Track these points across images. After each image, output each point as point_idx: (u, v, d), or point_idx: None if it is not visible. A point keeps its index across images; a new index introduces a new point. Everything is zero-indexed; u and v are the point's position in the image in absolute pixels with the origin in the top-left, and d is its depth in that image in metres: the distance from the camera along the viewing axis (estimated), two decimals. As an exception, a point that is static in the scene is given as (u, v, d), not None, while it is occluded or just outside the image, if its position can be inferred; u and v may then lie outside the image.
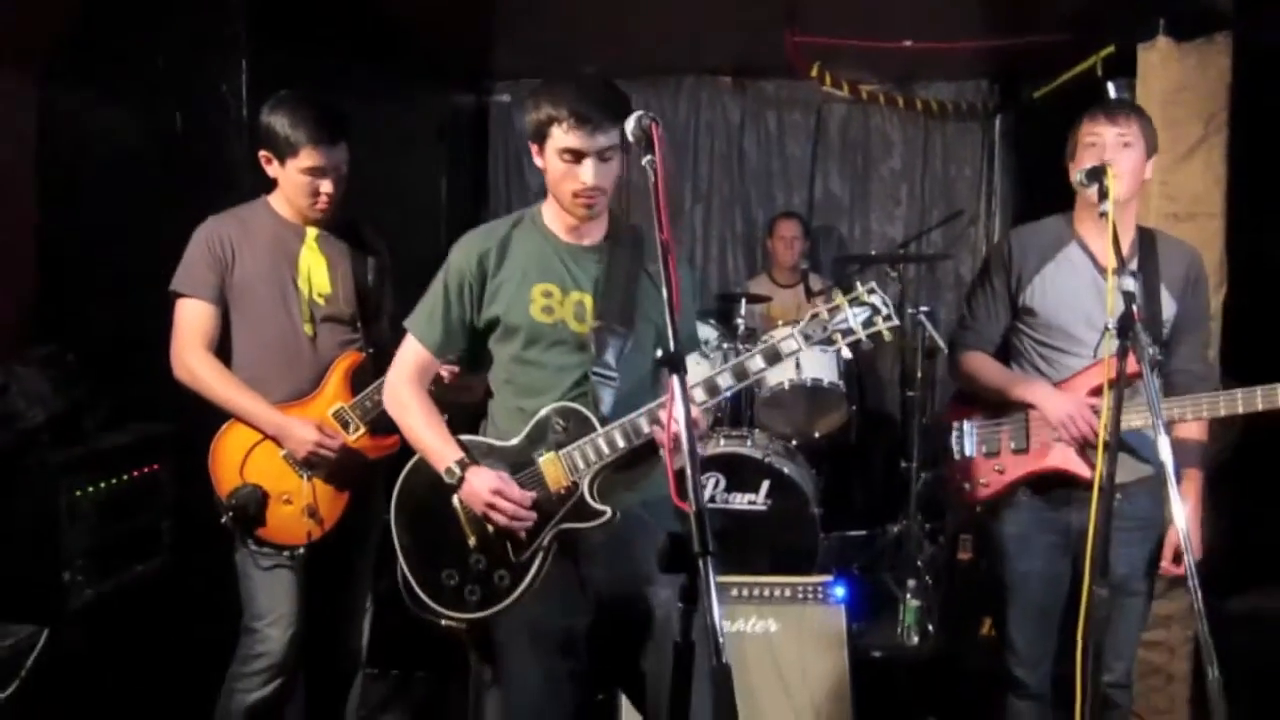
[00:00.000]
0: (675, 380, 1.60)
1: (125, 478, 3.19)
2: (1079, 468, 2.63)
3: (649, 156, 1.82)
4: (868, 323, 2.14)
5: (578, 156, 2.18)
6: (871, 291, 2.15)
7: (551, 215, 2.36)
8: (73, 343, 3.31)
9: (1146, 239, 2.71)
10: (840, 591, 3.42)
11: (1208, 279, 2.78)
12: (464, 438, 2.36)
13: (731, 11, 4.56)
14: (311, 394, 2.81)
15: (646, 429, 2.19)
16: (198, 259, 2.77)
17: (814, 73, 5.24)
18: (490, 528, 2.28)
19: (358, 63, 4.32)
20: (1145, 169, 2.64)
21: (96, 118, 3.55)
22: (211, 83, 3.43)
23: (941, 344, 4.59)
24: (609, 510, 2.24)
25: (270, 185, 2.86)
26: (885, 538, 4.99)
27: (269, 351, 2.80)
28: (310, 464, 2.76)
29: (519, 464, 2.29)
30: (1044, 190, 2.98)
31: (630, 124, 1.88)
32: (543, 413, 2.28)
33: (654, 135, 1.83)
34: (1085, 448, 2.60)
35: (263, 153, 2.77)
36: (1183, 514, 2.15)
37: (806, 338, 2.17)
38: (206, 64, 3.44)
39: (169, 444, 3.36)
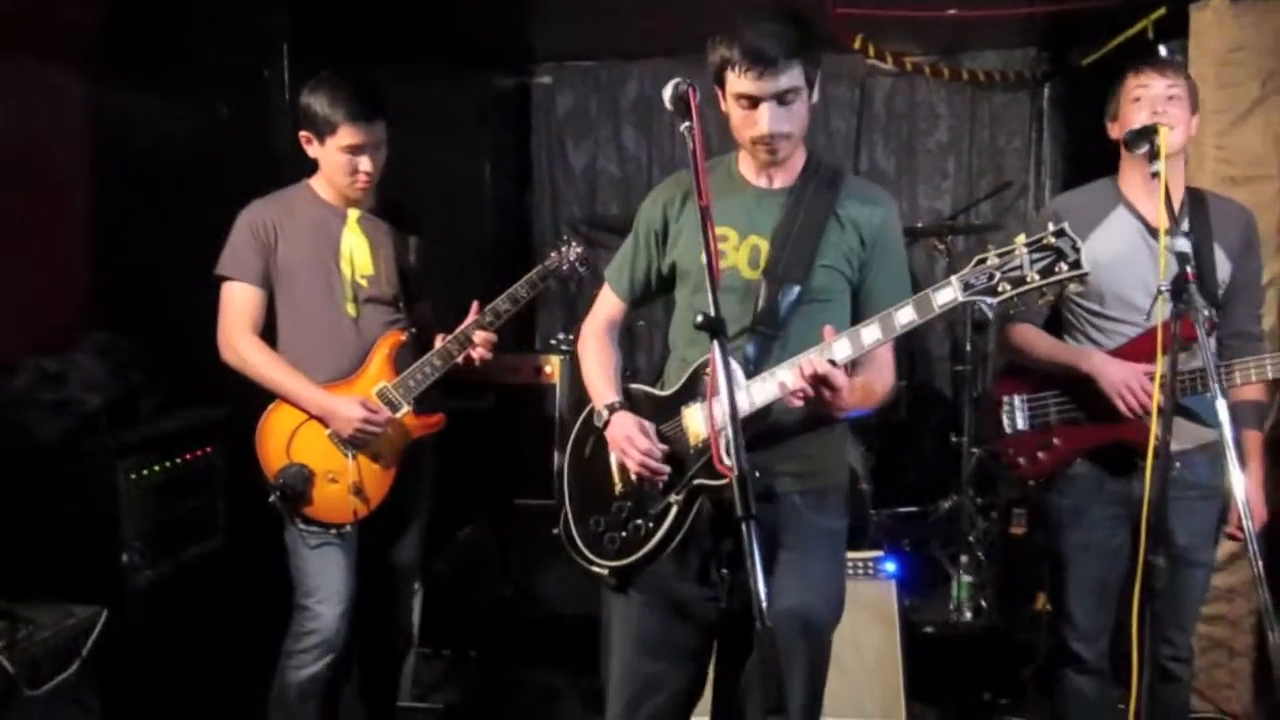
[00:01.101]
0: (715, 346, 1.58)
1: (181, 460, 3.25)
2: (1139, 436, 2.56)
3: (687, 123, 1.80)
4: (1047, 270, 1.83)
5: (754, 102, 2.04)
6: (1060, 234, 1.83)
7: (744, 159, 2.25)
8: (127, 329, 3.37)
9: (1197, 199, 2.64)
10: (891, 567, 3.39)
11: (1259, 240, 2.71)
12: (632, 386, 2.34)
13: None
14: (355, 374, 2.84)
15: (791, 384, 1.96)
16: (242, 243, 2.81)
17: (858, 45, 5.16)
18: (632, 476, 2.20)
19: (399, 47, 4.34)
20: (1192, 125, 2.59)
21: (143, 108, 3.58)
22: (253, 70, 3.47)
23: (991, 317, 4.50)
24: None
25: (314, 170, 2.88)
26: (937, 513, 4.93)
27: (313, 333, 2.83)
28: (356, 442, 2.79)
29: (669, 414, 2.21)
30: (1094, 159, 2.90)
31: (667, 91, 1.86)
32: (697, 363, 2.17)
33: (691, 101, 1.81)
34: (1148, 416, 2.54)
35: (303, 133, 2.80)
36: (1241, 480, 2.11)
37: (967, 286, 1.89)
38: (248, 51, 3.48)
39: (223, 427, 3.41)
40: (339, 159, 2.76)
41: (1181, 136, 2.54)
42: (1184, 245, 2.19)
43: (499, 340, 2.90)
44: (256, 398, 2.84)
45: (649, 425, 2.18)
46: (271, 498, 2.77)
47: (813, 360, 1.92)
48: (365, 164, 2.76)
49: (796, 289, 2.11)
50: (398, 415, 2.83)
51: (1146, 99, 2.53)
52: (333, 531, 2.81)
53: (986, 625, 4.07)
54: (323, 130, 2.74)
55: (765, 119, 2.03)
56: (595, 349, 2.40)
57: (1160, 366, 2.24)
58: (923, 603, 4.26)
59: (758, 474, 1.91)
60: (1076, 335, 2.73)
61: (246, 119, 3.48)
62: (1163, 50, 3.74)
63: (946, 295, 1.90)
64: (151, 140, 3.59)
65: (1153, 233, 2.59)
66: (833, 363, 1.92)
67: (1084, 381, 2.62)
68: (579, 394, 4.19)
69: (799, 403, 1.95)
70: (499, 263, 5.52)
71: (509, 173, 6.06)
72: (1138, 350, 2.57)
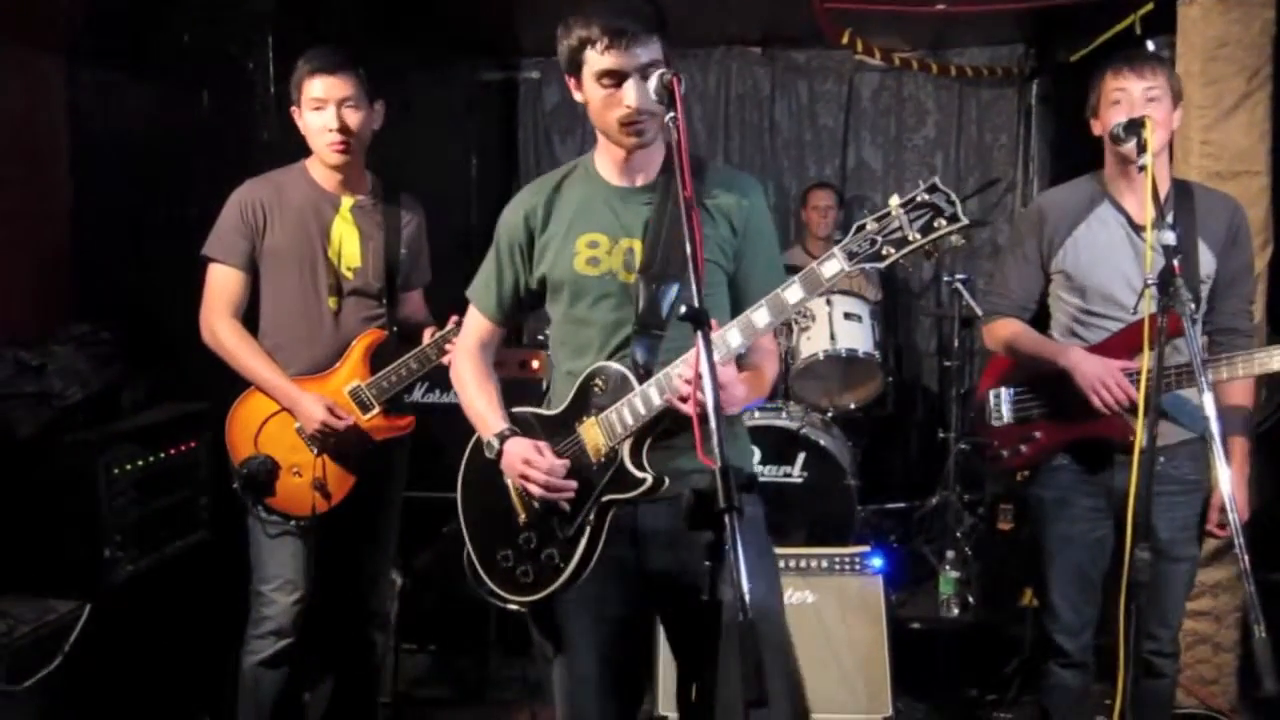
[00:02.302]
0: (699, 337, 1.56)
1: (163, 455, 3.21)
2: (1116, 431, 2.57)
3: (671, 114, 1.77)
4: (927, 227, 1.81)
5: (618, 78, 1.96)
6: (933, 189, 1.81)
7: (602, 158, 2.15)
8: (109, 321, 3.33)
9: (1184, 192, 2.64)
10: (878, 562, 3.39)
11: (1250, 232, 2.70)
12: (516, 410, 2.23)
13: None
14: (330, 369, 2.82)
15: (683, 385, 1.89)
16: (229, 224, 2.79)
17: (845, 40, 5.16)
18: (535, 503, 2.11)
19: (385, 38, 4.32)
20: (1174, 119, 2.59)
21: (125, 97, 3.55)
22: (238, 60, 3.43)
23: (979, 312, 4.52)
24: (649, 476, 2.00)
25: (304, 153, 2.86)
26: (923, 509, 4.95)
27: (291, 321, 2.81)
28: (318, 440, 2.77)
29: (563, 432, 2.12)
30: (1082, 155, 2.91)
31: (653, 81, 1.83)
32: (584, 375, 2.09)
33: (675, 91, 1.78)
34: (1123, 412, 2.54)
35: (293, 109, 2.79)
36: (1227, 474, 2.11)
37: (851, 255, 1.84)
38: (233, 41, 3.44)
39: (206, 421, 3.37)
40: (311, 120, 2.73)
41: (1163, 135, 2.53)
42: (1170, 239, 2.19)
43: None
44: (239, 392, 2.83)
45: (544, 445, 2.09)
46: (235, 484, 2.79)
47: (690, 362, 1.85)
48: (331, 119, 2.69)
49: (675, 286, 2.05)
50: (366, 417, 2.82)
51: (1125, 102, 2.53)
52: (291, 523, 2.81)
53: (973, 620, 4.08)
54: (297, 94, 2.73)
55: (632, 93, 1.95)
56: (471, 374, 2.28)
57: (1146, 360, 2.23)
58: (909, 598, 4.27)
59: (666, 480, 1.99)
60: (1063, 331, 2.73)
61: (230, 108, 3.45)
62: (1150, 45, 3.75)
63: (832, 267, 1.86)
64: (134, 130, 3.56)
65: (1136, 228, 2.59)
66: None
67: (1064, 376, 2.62)
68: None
69: (687, 409, 1.85)
70: (484, 255, 5.48)
71: (495, 166, 6.05)
72: (1119, 344, 2.57)
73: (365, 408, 2.82)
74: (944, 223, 1.80)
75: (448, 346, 2.79)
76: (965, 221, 1.81)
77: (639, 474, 2.01)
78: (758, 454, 4.11)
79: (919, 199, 1.81)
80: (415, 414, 2.99)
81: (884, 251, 1.83)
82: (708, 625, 1.68)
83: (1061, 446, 2.69)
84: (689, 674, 2.18)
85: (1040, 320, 2.81)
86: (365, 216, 2.88)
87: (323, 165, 2.81)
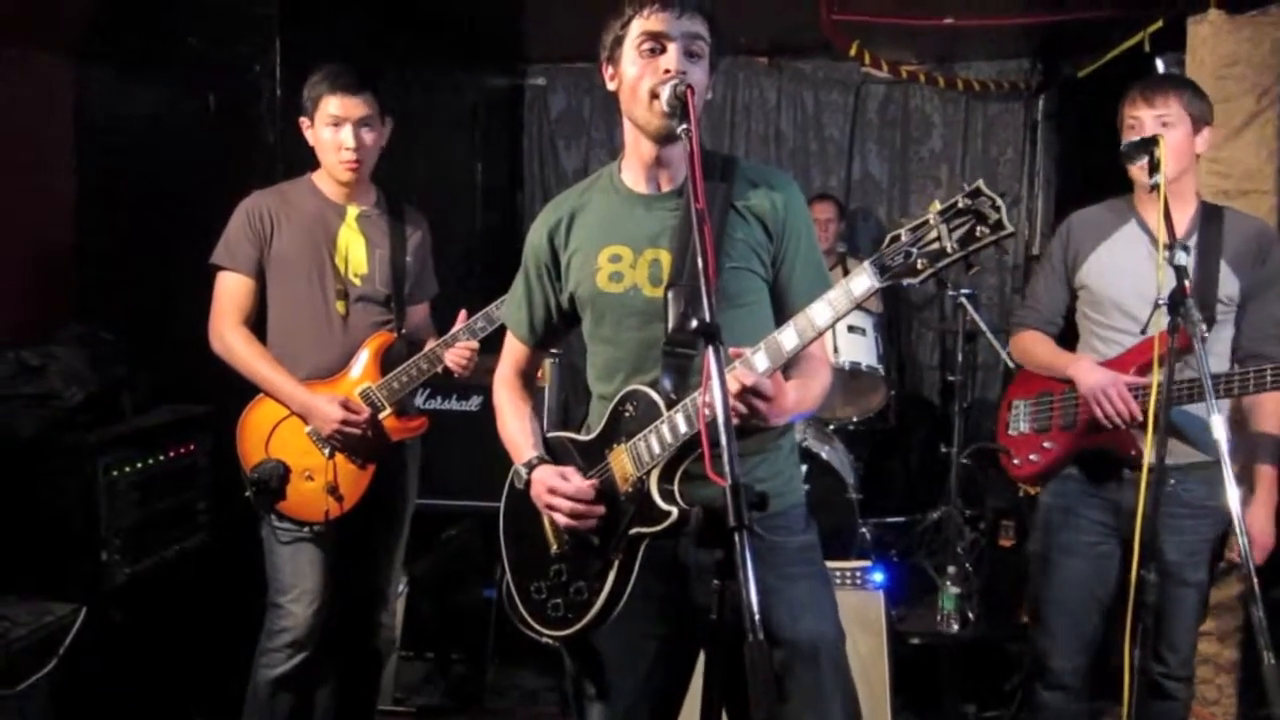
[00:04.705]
0: (710, 351, 1.52)
1: (163, 457, 3.20)
2: (1123, 445, 2.57)
3: (684, 125, 1.74)
4: (968, 237, 1.62)
5: (660, 41, 1.85)
6: (976, 194, 1.62)
7: (629, 163, 2.03)
8: (110, 322, 3.32)
9: (1211, 214, 2.64)
10: (879, 577, 3.37)
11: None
12: (552, 435, 2.13)
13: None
14: (340, 372, 2.82)
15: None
16: (237, 232, 2.80)
17: (853, 51, 5.15)
18: (566, 533, 1.99)
19: (391, 44, 4.31)
20: (1196, 143, 2.58)
21: (131, 98, 3.55)
22: (244, 63, 3.43)
23: (983, 327, 4.51)
24: (675, 510, 1.84)
25: (309, 164, 2.87)
26: (924, 524, 4.92)
27: (301, 327, 2.81)
28: (334, 442, 2.76)
29: (596, 460, 1.98)
30: (1088, 171, 2.92)
31: (665, 91, 1.80)
32: (616, 399, 1.96)
33: (689, 102, 1.75)
34: (1129, 426, 2.53)
35: (302, 120, 2.80)
36: (1237, 495, 2.09)
37: (883, 270, 1.68)
38: (239, 44, 3.44)
39: (207, 423, 3.37)
40: (325, 136, 2.75)
41: (1177, 163, 2.52)
42: (1185, 259, 2.18)
43: (489, 344, 2.87)
44: (241, 394, 2.82)
45: (570, 470, 1.97)
46: (247, 492, 2.77)
47: (736, 374, 1.71)
48: (348, 137, 2.73)
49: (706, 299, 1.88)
50: (379, 417, 2.81)
51: (1138, 130, 2.54)
52: (305, 529, 2.78)
53: (973, 636, 4.05)
54: (311, 110, 2.75)
55: (673, 56, 1.83)
56: (507, 401, 2.19)
57: (1156, 377, 2.22)
58: (910, 613, 4.24)
59: (697, 514, 1.74)
60: (1086, 346, 2.75)
61: (236, 111, 3.44)
62: (1160, 64, 3.74)
63: (862, 284, 1.70)
64: (140, 131, 3.56)
65: (1157, 245, 2.58)
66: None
67: (1074, 387, 2.64)
68: (566, 396, 4.18)
69: (734, 420, 1.67)
70: (489, 263, 5.49)
71: (501, 172, 6.04)
72: (1130, 359, 2.58)
73: (377, 410, 2.81)
74: (986, 231, 1.61)
75: (456, 345, 2.81)
76: (1010, 229, 1.62)
77: (665, 506, 1.86)
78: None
79: (960, 204, 1.62)
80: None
81: (918, 265, 1.65)
82: (717, 646, 1.62)
83: (1071, 457, 2.70)
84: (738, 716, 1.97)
85: (1066, 337, 2.83)
86: (371, 225, 2.89)
87: (330, 179, 2.83)
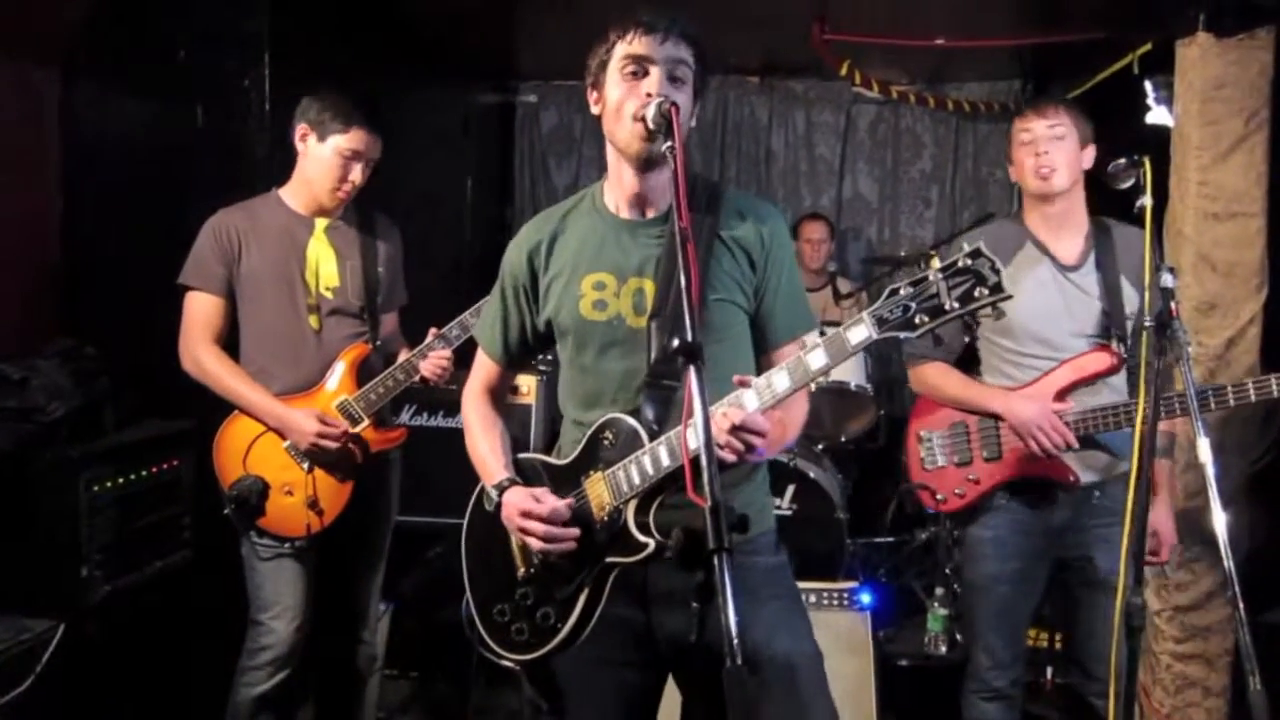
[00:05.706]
0: (692, 372, 1.51)
1: (145, 473, 3.17)
2: (1056, 472, 2.60)
3: (669, 143, 1.73)
4: (966, 296, 1.64)
5: (643, 64, 1.85)
6: (976, 255, 1.63)
7: (611, 187, 2.00)
8: (93, 337, 3.30)
9: (1102, 230, 2.67)
10: (866, 598, 3.36)
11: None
12: (523, 456, 2.10)
13: (759, 9, 4.49)
14: (316, 386, 2.81)
15: (693, 444, 1.64)
16: (205, 252, 2.78)
17: (844, 71, 5.17)
18: (535, 557, 1.98)
19: (382, 59, 4.31)
20: (1083, 158, 2.63)
21: (118, 112, 3.55)
22: (233, 77, 3.42)
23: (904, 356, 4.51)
24: (652, 542, 1.84)
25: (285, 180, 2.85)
26: (913, 544, 4.90)
27: (274, 343, 2.80)
28: (312, 456, 2.75)
29: (570, 485, 1.97)
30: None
31: (650, 110, 1.79)
32: (594, 426, 1.94)
33: (674, 120, 1.74)
34: (1056, 455, 2.57)
35: (301, 127, 2.77)
36: (1224, 519, 2.08)
37: (881, 322, 1.68)
38: (229, 58, 3.44)
39: (189, 439, 3.34)
40: (333, 161, 2.74)
41: (1068, 175, 2.59)
42: (1169, 281, 2.20)
43: (465, 356, 2.86)
44: (224, 410, 2.81)
45: (543, 491, 1.95)
46: (226, 509, 2.75)
47: (729, 413, 1.71)
48: (356, 173, 2.76)
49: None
50: (356, 429, 2.80)
51: (1031, 140, 2.59)
52: (286, 545, 2.77)
53: (961, 658, 4.01)
54: (329, 128, 2.73)
55: (656, 80, 1.83)
56: (477, 419, 2.16)
57: (1142, 401, 2.22)
58: (898, 634, 4.22)
59: (670, 543, 1.74)
60: (992, 371, 2.74)
61: (225, 126, 3.44)
62: (1149, 87, 3.75)
63: (859, 334, 1.70)
64: (127, 145, 3.55)
65: (1062, 270, 2.63)
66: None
67: (995, 419, 2.66)
68: (554, 412, 4.16)
69: (731, 457, 1.71)
70: (478, 279, 5.47)
71: (491, 189, 6.04)
72: (1049, 385, 2.59)
73: (355, 421, 2.80)
74: (985, 292, 1.62)
75: (429, 354, 2.83)
76: (1008, 294, 1.64)
77: (641, 538, 1.85)
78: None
79: (960, 264, 1.64)
80: (401, 433, 2.97)
81: (917, 320, 1.66)
82: (694, 672, 1.60)
83: (1001, 486, 2.70)
84: None
85: (964, 361, 2.83)
86: (340, 237, 2.88)
87: (303, 194, 2.82)
